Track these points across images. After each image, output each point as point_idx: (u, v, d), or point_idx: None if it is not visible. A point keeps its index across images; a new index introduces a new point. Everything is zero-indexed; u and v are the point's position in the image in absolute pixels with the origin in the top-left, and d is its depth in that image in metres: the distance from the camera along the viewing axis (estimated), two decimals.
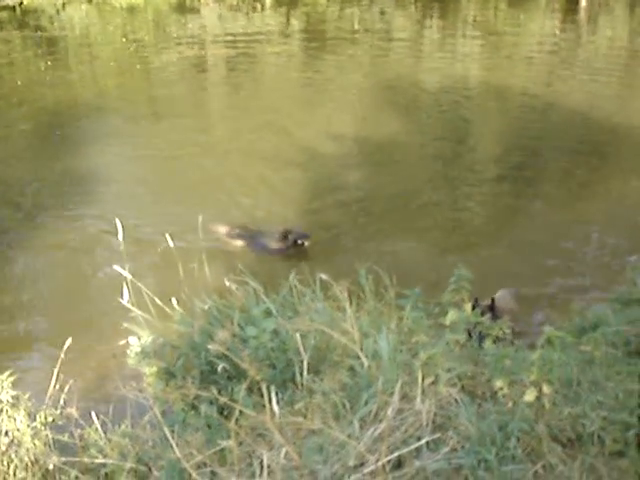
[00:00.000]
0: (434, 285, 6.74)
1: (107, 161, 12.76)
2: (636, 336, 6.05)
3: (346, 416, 4.21)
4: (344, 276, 5.23)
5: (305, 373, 4.61)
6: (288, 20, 25.71)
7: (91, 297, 8.51)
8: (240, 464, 3.89)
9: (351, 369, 4.70)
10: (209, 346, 4.50)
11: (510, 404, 4.10)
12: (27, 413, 4.98)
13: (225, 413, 4.66)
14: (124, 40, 22.97)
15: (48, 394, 5.17)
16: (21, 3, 26.56)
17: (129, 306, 5.70)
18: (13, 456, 4.77)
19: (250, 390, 4.66)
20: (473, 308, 5.33)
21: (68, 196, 11.29)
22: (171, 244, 6.23)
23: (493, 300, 7.44)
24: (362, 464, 3.66)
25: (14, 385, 5.08)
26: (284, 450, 3.65)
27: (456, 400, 4.15)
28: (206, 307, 5.73)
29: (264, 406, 3.54)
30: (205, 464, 3.88)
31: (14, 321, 8.30)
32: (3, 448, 4.79)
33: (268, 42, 23.13)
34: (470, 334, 5.23)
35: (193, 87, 18.47)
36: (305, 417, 4.05)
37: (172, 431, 4.49)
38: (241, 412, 3.90)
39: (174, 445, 3.49)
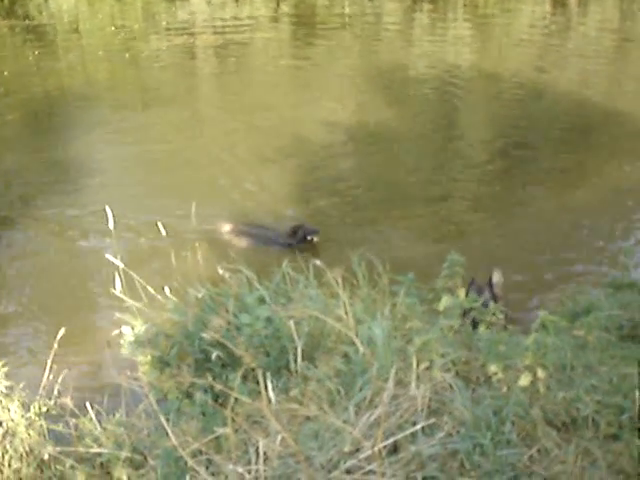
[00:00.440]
0: (427, 271, 6.74)
1: (97, 150, 12.70)
2: (629, 320, 6.09)
3: (341, 402, 4.21)
4: (337, 263, 5.22)
5: (299, 360, 4.61)
6: (278, 6, 25.56)
7: (83, 287, 8.47)
8: (236, 451, 3.90)
9: (345, 356, 4.70)
10: (203, 334, 4.50)
11: (505, 389, 4.12)
12: (21, 403, 4.97)
13: (220, 401, 4.66)
14: (113, 29, 22.82)
15: (42, 384, 5.15)
16: None
17: (122, 295, 5.69)
18: (8, 446, 4.76)
19: (245, 378, 4.66)
20: (469, 289, 5.34)
21: (57, 186, 11.24)
22: (163, 232, 6.21)
23: (491, 279, 7.46)
24: (358, 450, 3.67)
25: (7, 376, 5.07)
26: (280, 437, 3.66)
27: (451, 385, 4.16)
28: (199, 295, 5.71)
29: (259, 393, 3.54)
30: (201, 452, 3.89)
31: (6, 312, 8.27)
32: None
33: (258, 29, 23.01)
34: (464, 319, 5.23)
35: (183, 75, 18.37)
36: (300, 404, 4.05)
37: (167, 419, 4.50)
38: (236, 399, 3.90)
39: (170, 433, 3.49)
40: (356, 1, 26.23)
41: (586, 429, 3.97)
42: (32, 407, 5.01)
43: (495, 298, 7.32)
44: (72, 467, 4.47)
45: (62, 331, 5.27)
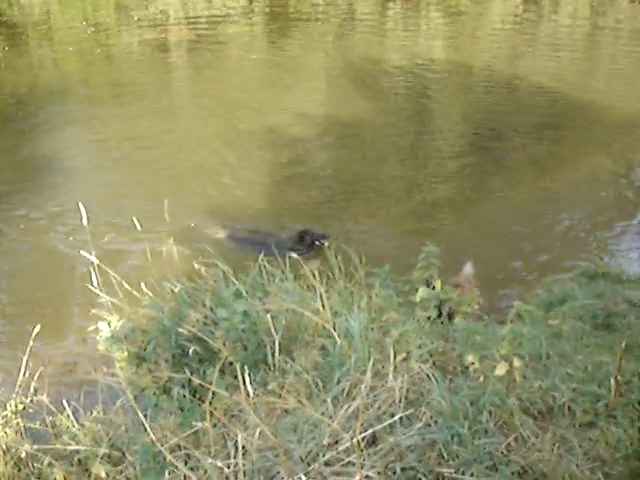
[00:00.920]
0: (403, 264, 6.77)
1: (69, 147, 12.60)
2: (603, 309, 6.16)
3: (319, 395, 4.23)
4: (313, 257, 5.23)
5: (277, 353, 4.61)
6: (250, 0, 25.48)
7: (59, 284, 8.40)
8: (215, 446, 3.89)
9: (323, 348, 4.71)
10: (180, 329, 4.49)
11: (481, 378, 4.15)
12: None
13: (198, 396, 4.65)
14: (84, 23, 22.61)
15: (18, 382, 5.11)
16: None
17: (97, 291, 5.65)
18: None
19: (222, 372, 4.65)
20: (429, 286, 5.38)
21: (30, 182, 11.12)
22: (138, 228, 6.16)
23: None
24: (336, 442, 3.69)
25: None
26: (258, 430, 3.66)
27: (428, 376, 4.18)
28: (176, 290, 5.69)
29: (237, 387, 3.54)
30: (180, 447, 3.88)
31: None
32: None
33: (231, 22, 22.91)
34: (440, 311, 5.26)
35: (156, 70, 18.25)
36: (279, 397, 4.06)
37: (145, 415, 4.48)
38: (214, 394, 3.90)
39: (148, 428, 3.48)
40: None
41: (562, 417, 4.02)
42: (8, 405, 4.97)
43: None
44: (50, 464, 4.43)
45: (37, 328, 5.23)
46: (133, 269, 7.44)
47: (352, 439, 3.39)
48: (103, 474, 4.21)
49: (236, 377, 3.68)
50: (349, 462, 3.54)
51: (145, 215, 8.06)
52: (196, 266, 5.96)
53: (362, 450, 3.57)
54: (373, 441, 3.76)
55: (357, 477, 3.26)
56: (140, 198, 10.04)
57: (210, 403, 3.73)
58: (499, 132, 13.27)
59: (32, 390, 5.11)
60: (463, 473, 3.55)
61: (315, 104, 14.72)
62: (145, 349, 5.35)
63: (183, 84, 17.68)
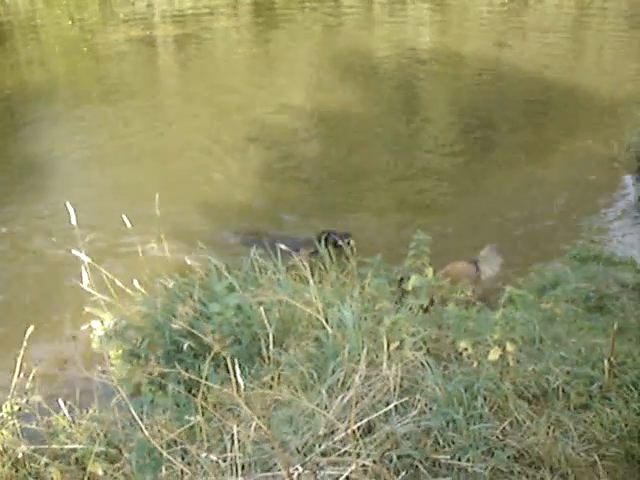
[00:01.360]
0: (394, 253, 6.79)
1: (57, 146, 12.52)
2: (595, 292, 6.18)
3: (314, 386, 4.24)
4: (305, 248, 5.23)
5: (271, 346, 4.61)
6: None
7: (51, 283, 8.36)
8: (211, 440, 3.90)
9: (317, 339, 4.72)
10: (172, 325, 4.49)
11: (475, 364, 4.16)
12: None
13: (194, 391, 4.65)
14: (70, 22, 22.53)
15: (13, 383, 5.10)
16: None
17: (89, 290, 5.63)
18: None
19: (218, 367, 4.66)
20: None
21: (19, 182, 11.05)
22: (129, 225, 6.14)
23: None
24: (332, 432, 3.69)
25: None
26: (254, 423, 3.67)
27: (422, 363, 4.19)
28: (168, 286, 5.69)
29: (232, 381, 3.54)
30: (175, 442, 3.88)
31: None
32: None
33: (217, 17, 22.87)
34: (433, 298, 5.27)
35: (142, 67, 18.21)
36: (273, 389, 4.06)
37: (141, 412, 4.49)
38: (209, 388, 3.90)
39: (142, 425, 3.47)
40: None
41: (557, 400, 4.03)
42: (4, 407, 4.96)
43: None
44: (46, 465, 4.43)
45: (31, 329, 5.22)
46: (125, 267, 7.41)
47: (347, 429, 3.39)
48: (100, 472, 4.21)
49: (232, 371, 3.68)
50: (345, 452, 3.54)
51: (136, 213, 8.03)
52: (188, 262, 5.96)
53: (358, 439, 3.58)
54: (369, 430, 3.77)
55: (353, 466, 3.26)
56: (130, 196, 9.98)
57: (206, 398, 3.73)
58: (488, 119, 13.27)
59: (27, 391, 5.10)
60: (459, 459, 3.55)
61: (304, 96, 14.69)
62: (139, 346, 5.35)
63: (170, 81, 17.63)
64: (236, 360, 3.76)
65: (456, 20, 21.77)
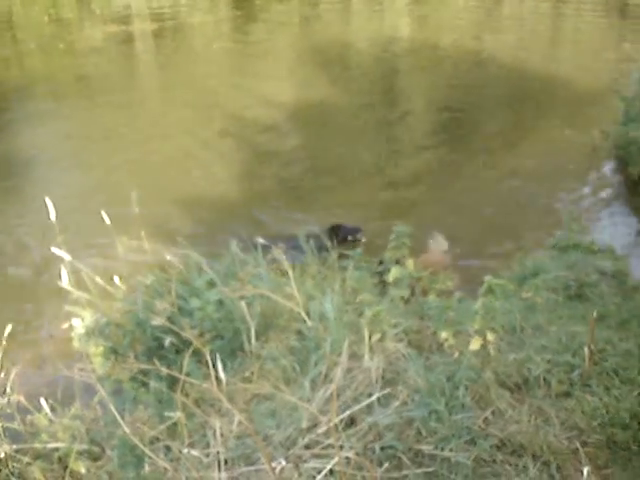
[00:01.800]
0: (374, 245, 6.80)
1: (35, 143, 12.40)
2: (575, 280, 6.21)
3: (297, 379, 4.23)
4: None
5: (253, 340, 4.60)
6: None
7: (30, 281, 8.30)
8: (193, 436, 3.89)
9: (299, 333, 4.71)
10: (153, 322, 4.46)
11: (456, 354, 4.18)
12: None
13: (176, 387, 4.63)
14: (47, 19, 22.34)
15: None
16: None
17: (69, 288, 5.59)
18: None
19: (200, 362, 4.64)
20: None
21: None
22: (107, 222, 6.10)
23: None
24: (315, 425, 3.69)
25: None
26: (236, 418, 3.66)
27: (404, 355, 4.20)
28: (148, 282, 5.66)
29: (216, 377, 3.52)
30: (158, 439, 3.86)
31: None
32: None
33: (195, 12, 22.75)
34: (413, 289, 5.27)
35: (120, 63, 18.09)
36: (255, 383, 4.06)
37: (123, 409, 4.47)
38: (191, 384, 3.89)
39: (122, 423, 3.46)
40: None
41: (538, 388, 4.05)
42: None
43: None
44: (28, 464, 4.40)
45: (9, 328, 5.17)
46: (105, 264, 7.36)
47: (330, 422, 3.39)
48: (83, 470, 4.19)
49: (213, 366, 3.67)
50: (328, 445, 3.54)
51: (115, 210, 7.97)
52: (168, 257, 5.93)
53: (341, 432, 3.58)
54: (352, 422, 3.77)
55: (336, 459, 3.26)
56: (109, 194, 9.86)
57: (186, 394, 3.72)
58: (467, 110, 13.29)
59: (8, 390, 5.06)
60: (442, 449, 3.57)
61: (283, 89, 14.67)
62: (121, 343, 5.32)
63: (148, 76, 17.53)
64: (218, 355, 3.74)
65: (434, 12, 21.79)
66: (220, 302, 5.18)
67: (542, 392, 4.03)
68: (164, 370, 3.57)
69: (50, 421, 4.73)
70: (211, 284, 5.33)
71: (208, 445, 3.72)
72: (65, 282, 5.61)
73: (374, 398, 3.73)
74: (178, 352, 5.02)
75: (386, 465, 3.47)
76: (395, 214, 8.61)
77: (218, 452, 3.56)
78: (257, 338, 4.65)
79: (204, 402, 4.24)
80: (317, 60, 16.49)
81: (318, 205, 9.74)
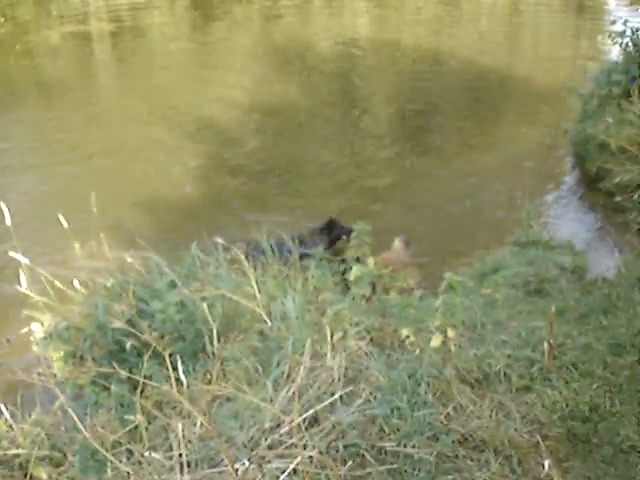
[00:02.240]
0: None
1: None
2: (535, 276, 6.29)
3: (259, 380, 4.22)
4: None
5: (215, 341, 4.58)
6: None
7: None
8: (155, 439, 3.86)
9: (261, 333, 4.70)
10: (112, 325, 4.42)
11: (418, 351, 4.20)
12: None
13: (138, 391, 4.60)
14: (3, 20, 22.00)
15: None
16: None
17: (28, 292, 5.52)
18: None
19: (162, 365, 4.60)
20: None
21: None
22: (65, 225, 6.03)
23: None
24: (278, 425, 3.69)
25: None
26: (199, 420, 3.64)
27: (366, 353, 4.22)
28: (108, 285, 5.61)
29: (177, 379, 3.50)
30: (120, 443, 3.83)
31: None
32: None
33: (154, 11, 22.59)
34: (375, 287, 5.29)
35: (78, 64, 17.88)
36: (216, 384, 4.03)
37: (85, 414, 4.42)
38: (153, 387, 3.86)
39: (82, 428, 3.42)
40: None
41: (499, 383, 4.09)
42: None
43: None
44: None
45: None
46: (64, 268, 7.29)
47: (292, 421, 3.39)
48: (44, 476, 4.15)
49: (175, 368, 3.65)
50: (292, 444, 3.54)
51: (74, 213, 7.88)
52: (128, 259, 5.88)
53: (304, 431, 3.58)
54: (315, 421, 3.77)
55: (299, 458, 3.26)
56: (67, 197, 9.72)
57: (147, 397, 3.69)
58: (427, 110, 13.39)
59: None
60: (405, 445, 3.58)
61: (242, 89, 14.64)
62: (81, 347, 5.26)
63: (107, 77, 17.35)
64: (179, 357, 3.72)
65: (393, 10, 21.89)
66: (181, 304, 5.15)
67: (503, 387, 4.07)
68: (124, 373, 3.54)
69: (10, 427, 4.66)
70: (172, 286, 5.29)
71: (170, 448, 3.69)
72: (24, 286, 5.54)
73: (337, 397, 3.73)
74: (140, 355, 4.97)
75: (350, 463, 3.47)
76: (355, 213, 8.62)
77: (180, 455, 3.54)
78: (219, 339, 4.62)
79: (166, 405, 4.22)
80: (277, 60, 16.48)
81: (278, 205, 9.73)
